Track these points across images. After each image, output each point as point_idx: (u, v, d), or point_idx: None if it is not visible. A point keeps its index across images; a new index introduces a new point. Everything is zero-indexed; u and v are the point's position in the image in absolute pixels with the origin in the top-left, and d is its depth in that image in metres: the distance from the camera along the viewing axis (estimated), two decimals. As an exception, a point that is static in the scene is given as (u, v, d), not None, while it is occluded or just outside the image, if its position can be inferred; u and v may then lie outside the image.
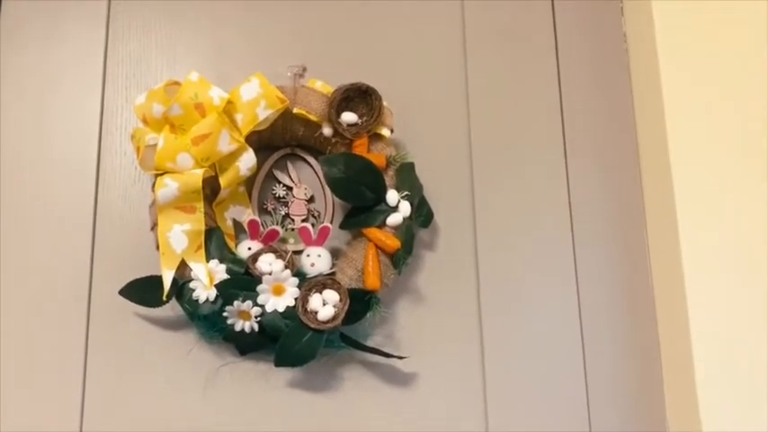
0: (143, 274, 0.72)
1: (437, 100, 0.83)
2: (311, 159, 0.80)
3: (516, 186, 0.82)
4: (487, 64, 0.84)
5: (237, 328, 0.70)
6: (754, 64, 0.76)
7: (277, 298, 0.70)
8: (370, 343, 0.75)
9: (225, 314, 0.69)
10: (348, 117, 0.75)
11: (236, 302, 0.69)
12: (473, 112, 0.83)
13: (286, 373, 0.74)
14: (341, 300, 0.70)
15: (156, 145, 0.69)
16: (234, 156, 0.71)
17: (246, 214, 0.76)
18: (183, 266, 0.70)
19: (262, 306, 0.70)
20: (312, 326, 0.69)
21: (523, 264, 0.80)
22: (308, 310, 0.70)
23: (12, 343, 0.73)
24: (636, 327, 0.79)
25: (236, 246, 0.74)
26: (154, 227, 0.72)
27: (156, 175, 0.70)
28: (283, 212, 0.78)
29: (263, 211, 0.78)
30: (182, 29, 0.82)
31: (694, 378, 0.70)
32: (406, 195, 0.74)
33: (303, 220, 0.78)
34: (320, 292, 0.71)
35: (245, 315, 0.70)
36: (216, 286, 0.69)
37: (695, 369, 0.70)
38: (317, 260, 0.74)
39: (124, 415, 0.72)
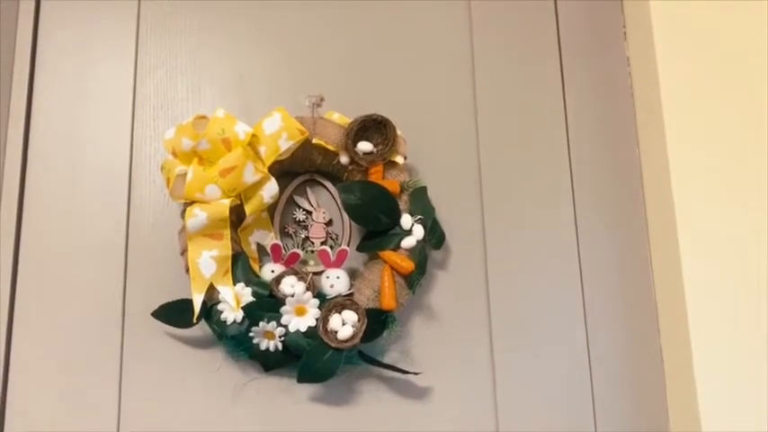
0: (174, 296, 0.77)
1: (448, 126, 0.88)
2: (329, 185, 0.84)
3: (524, 207, 0.86)
4: (496, 93, 0.88)
5: (263, 347, 0.75)
6: (753, 66, 0.80)
7: (299, 318, 0.75)
8: (386, 359, 0.79)
9: (251, 334, 0.74)
10: (364, 146, 0.79)
11: (261, 323, 0.74)
12: (482, 138, 0.87)
13: (308, 389, 0.79)
14: (359, 320, 0.75)
15: (185, 175, 0.74)
16: (258, 185, 0.75)
17: (269, 238, 0.80)
18: (211, 290, 0.75)
19: (285, 326, 0.74)
20: (332, 345, 0.74)
21: (531, 280, 0.84)
22: (329, 329, 0.75)
23: (52, 361, 0.78)
24: (639, 333, 0.83)
25: (260, 268, 0.79)
26: (183, 252, 0.77)
27: (186, 205, 0.75)
28: (304, 236, 0.83)
29: (284, 234, 0.83)
30: (206, 60, 0.87)
31: (694, 381, 0.74)
32: (420, 219, 0.79)
33: (322, 243, 0.83)
34: (339, 313, 0.75)
35: (269, 335, 0.74)
36: (242, 308, 0.74)
37: (695, 372, 0.74)
38: (335, 282, 0.78)
39: (158, 426, 0.77)
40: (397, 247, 0.78)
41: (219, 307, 0.74)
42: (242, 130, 0.73)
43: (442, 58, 0.89)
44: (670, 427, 0.80)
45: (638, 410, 0.81)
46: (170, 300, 0.77)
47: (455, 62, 0.89)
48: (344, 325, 0.74)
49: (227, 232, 0.74)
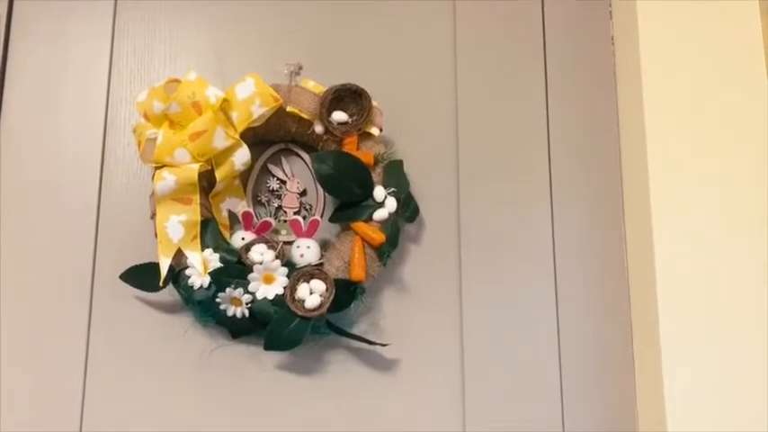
0: (144, 260, 0.77)
1: (427, 100, 0.87)
2: (304, 154, 0.83)
3: (500, 183, 0.85)
4: (476, 66, 0.87)
5: (229, 313, 0.75)
6: (733, 50, 0.80)
7: (267, 286, 0.75)
8: (355, 330, 0.79)
9: (217, 300, 0.74)
10: (338, 116, 0.78)
11: (228, 289, 0.73)
12: (461, 112, 0.87)
13: (275, 357, 0.79)
14: (327, 289, 0.75)
15: (155, 139, 0.74)
16: (229, 151, 0.74)
17: (241, 206, 0.80)
18: (179, 254, 0.74)
19: (252, 293, 0.74)
20: (299, 313, 0.74)
21: (504, 259, 0.84)
22: (296, 298, 0.74)
23: (18, 321, 0.78)
24: (610, 331, 0.83)
25: (230, 236, 0.79)
26: (153, 215, 0.76)
27: (156, 168, 0.74)
28: (276, 205, 0.82)
29: (257, 203, 0.82)
30: (184, 25, 0.86)
31: (662, 383, 0.74)
32: (393, 192, 0.78)
33: (295, 213, 0.82)
34: (308, 282, 0.75)
35: (236, 301, 0.74)
36: (210, 274, 0.74)
37: (663, 375, 0.74)
38: (306, 251, 0.78)
39: (123, 391, 0.78)
40: (368, 219, 0.78)
41: (187, 272, 0.74)
42: (213, 94, 0.72)
43: (424, 29, 0.88)
44: (638, 428, 0.80)
45: (607, 409, 0.81)
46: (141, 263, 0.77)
47: (436, 34, 0.88)
48: (312, 294, 0.74)
49: (197, 197, 0.74)
